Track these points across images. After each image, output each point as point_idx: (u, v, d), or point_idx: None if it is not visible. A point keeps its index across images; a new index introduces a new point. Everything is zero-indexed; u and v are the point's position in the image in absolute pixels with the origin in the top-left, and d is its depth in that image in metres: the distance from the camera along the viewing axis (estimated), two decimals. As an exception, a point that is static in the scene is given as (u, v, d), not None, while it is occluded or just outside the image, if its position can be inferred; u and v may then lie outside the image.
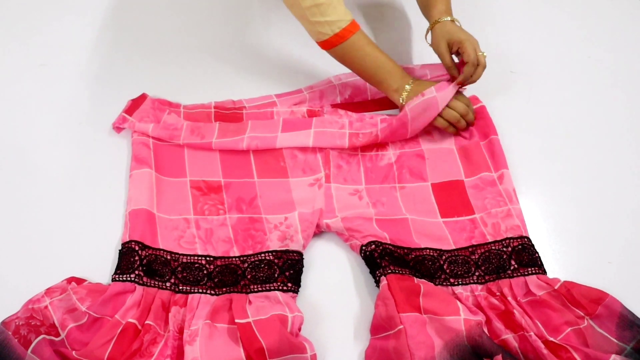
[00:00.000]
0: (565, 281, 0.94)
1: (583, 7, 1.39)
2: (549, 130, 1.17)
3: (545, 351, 0.86)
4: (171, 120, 1.13)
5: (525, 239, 0.99)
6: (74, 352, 0.85)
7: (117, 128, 1.13)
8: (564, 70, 1.27)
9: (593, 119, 1.19)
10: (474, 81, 1.09)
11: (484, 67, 1.07)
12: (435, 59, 1.13)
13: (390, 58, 1.11)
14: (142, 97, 1.17)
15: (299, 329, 0.90)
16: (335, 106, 1.19)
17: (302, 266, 0.97)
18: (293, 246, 0.98)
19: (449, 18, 1.11)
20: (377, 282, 0.94)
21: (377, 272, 0.95)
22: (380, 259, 0.95)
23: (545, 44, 1.32)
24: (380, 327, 0.90)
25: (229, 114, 1.16)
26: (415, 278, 0.94)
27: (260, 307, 0.90)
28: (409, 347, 0.84)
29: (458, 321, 0.87)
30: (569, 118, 1.19)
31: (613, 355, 0.84)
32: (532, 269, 0.96)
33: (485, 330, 0.89)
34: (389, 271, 0.93)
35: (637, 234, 1.04)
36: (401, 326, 0.86)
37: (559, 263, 0.99)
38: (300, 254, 0.98)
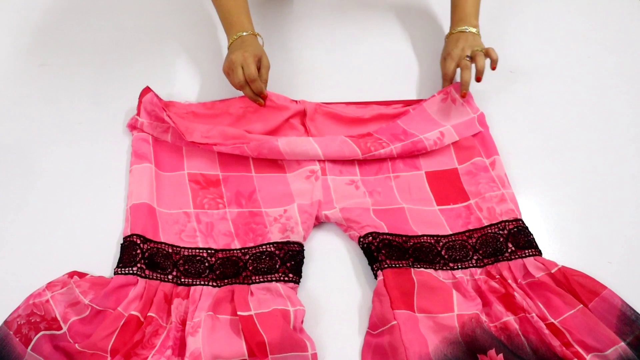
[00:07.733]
0: (562, 266, 0.94)
1: (583, 7, 1.39)
2: (549, 130, 1.17)
3: (546, 331, 0.87)
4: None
5: (520, 222, 1.00)
6: (76, 345, 0.84)
7: (132, 127, 1.12)
8: (564, 70, 1.27)
9: (593, 119, 1.19)
10: (464, 88, 1.13)
11: (465, 81, 1.12)
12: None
13: (244, 14, 1.13)
14: (145, 91, 1.14)
15: (302, 322, 0.90)
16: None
17: (303, 257, 0.97)
18: (294, 237, 0.98)
19: (453, 30, 1.19)
20: (375, 276, 0.95)
21: (374, 266, 0.95)
22: (377, 252, 0.96)
23: (544, 44, 1.32)
24: (376, 323, 0.91)
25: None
26: (412, 269, 0.94)
27: (262, 299, 0.91)
28: (403, 342, 0.85)
29: (452, 318, 0.88)
30: (569, 118, 1.19)
31: (616, 346, 0.85)
32: (529, 250, 0.97)
33: (484, 317, 0.89)
34: (386, 265, 0.94)
35: (637, 234, 1.03)
36: (395, 322, 0.87)
37: (559, 263, 0.99)
38: (301, 245, 0.98)
